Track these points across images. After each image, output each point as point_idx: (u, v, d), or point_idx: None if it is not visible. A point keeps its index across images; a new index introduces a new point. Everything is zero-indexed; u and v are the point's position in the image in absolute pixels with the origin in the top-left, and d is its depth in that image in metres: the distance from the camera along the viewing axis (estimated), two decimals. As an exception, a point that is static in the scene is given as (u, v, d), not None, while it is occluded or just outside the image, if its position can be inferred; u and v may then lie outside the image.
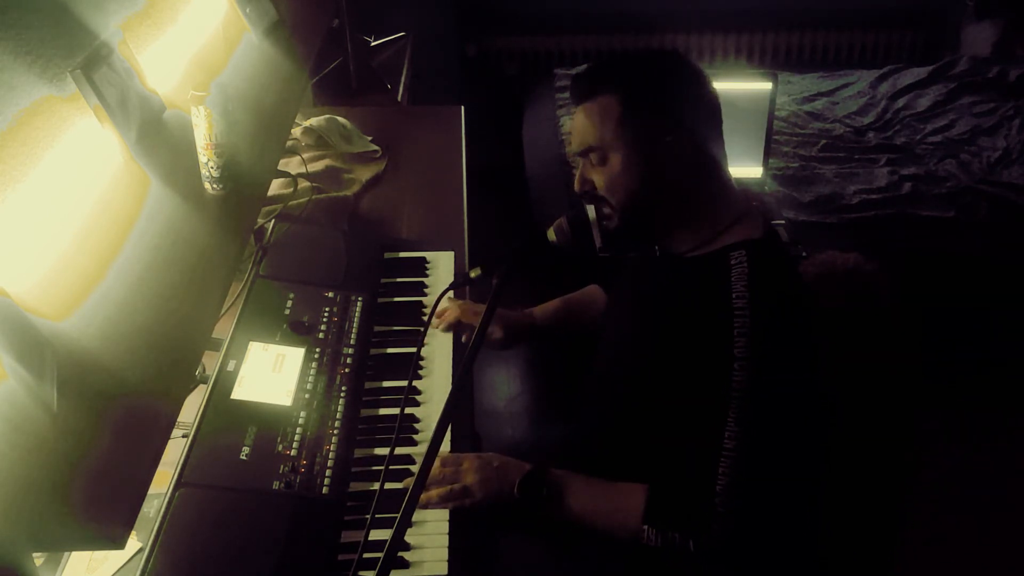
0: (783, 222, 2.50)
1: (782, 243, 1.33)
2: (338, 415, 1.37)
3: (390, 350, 1.56)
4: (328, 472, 1.27)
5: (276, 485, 1.23)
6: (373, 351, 1.54)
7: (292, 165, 2.00)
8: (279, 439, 1.29)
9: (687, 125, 1.25)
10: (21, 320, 0.90)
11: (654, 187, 1.27)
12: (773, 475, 1.16)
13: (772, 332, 1.17)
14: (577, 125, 1.30)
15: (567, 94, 3.27)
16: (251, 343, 1.42)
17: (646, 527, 1.18)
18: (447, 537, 1.23)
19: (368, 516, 1.12)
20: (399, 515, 0.98)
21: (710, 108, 1.29)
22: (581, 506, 1.25)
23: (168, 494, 1.18)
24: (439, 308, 1.53)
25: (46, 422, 0.88)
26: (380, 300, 1.66)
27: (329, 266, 1.67)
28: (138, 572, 1.09)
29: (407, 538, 1.21)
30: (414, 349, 1.46)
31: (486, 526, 1.32)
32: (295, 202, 1.88)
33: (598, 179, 1.29)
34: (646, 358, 1.30)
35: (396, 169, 2.20)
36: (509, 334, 1.63)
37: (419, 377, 1.50)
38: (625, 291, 1.48)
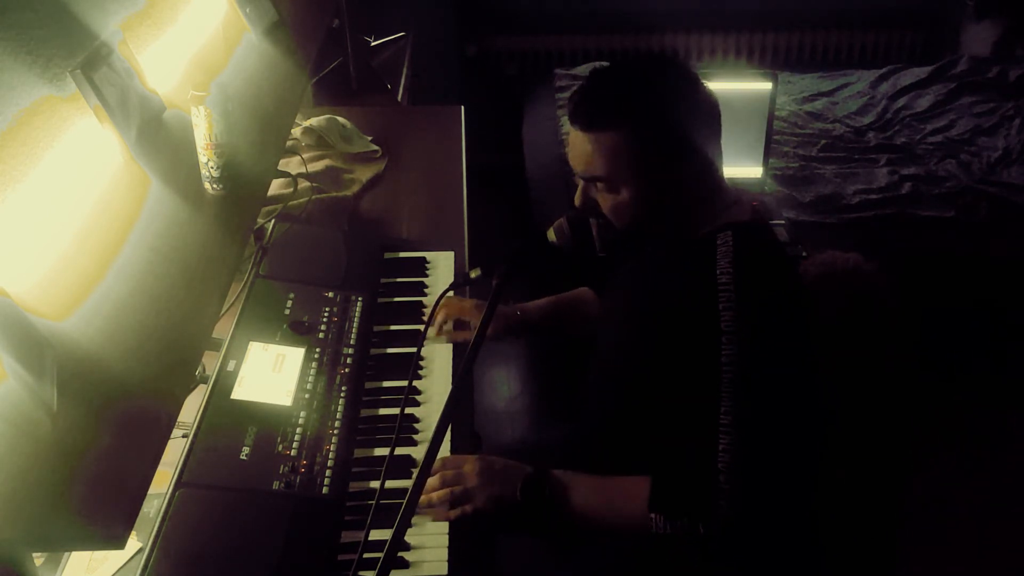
0: (783, 222, 2.50)
1: (767, 224, 1.34)
2: (338, 415, 1.37)
3: (390, 350, 1.56)
4: (328, 472, 1.27)
5: (276, 485, 1.23)
6: (373, 351, 1.54)
7: (292, 165, 2.00)
8: (279, 439, 1.29)
9: (696, 148, 1.25)
10: (21, 320, 0.90)
11: (661, 213, 1.28)
12: (773, 447, 1.15)
13: (757, 304, 1.17)
14: (578, 148, 1.27)
15: (567, 94, 3.28)
16: (251, 343, 1.42)
17: (653, 515, 1.17)
18: (447, 537, 1.23)
19: (368, 516, 1.12)
20: (399, 515, 0.98)
21: (708, 113, 1.28)
22: (585, 503, 1.24)
23: (168, 494, 1.18)
24: (437, 310, 1.53)
25: (46, 422, 0.88)
26: (380, 300, 1.66)
27: (329, 266, 1.67)
28: (138, 572, 1.09)
29: (407, 538, 1.21)
30: (414, 349, 1.46)
31: (486, 526, 1.32)
32: (295, 202, 1.88)
33: (604, 203, 1.29)
34: (641, 348, 1.30)
35: (396, 169, 2.19)
36: (499, 327, 1.63)
37: (419, 377, 1.50)
38: (620, 290, 1.48)
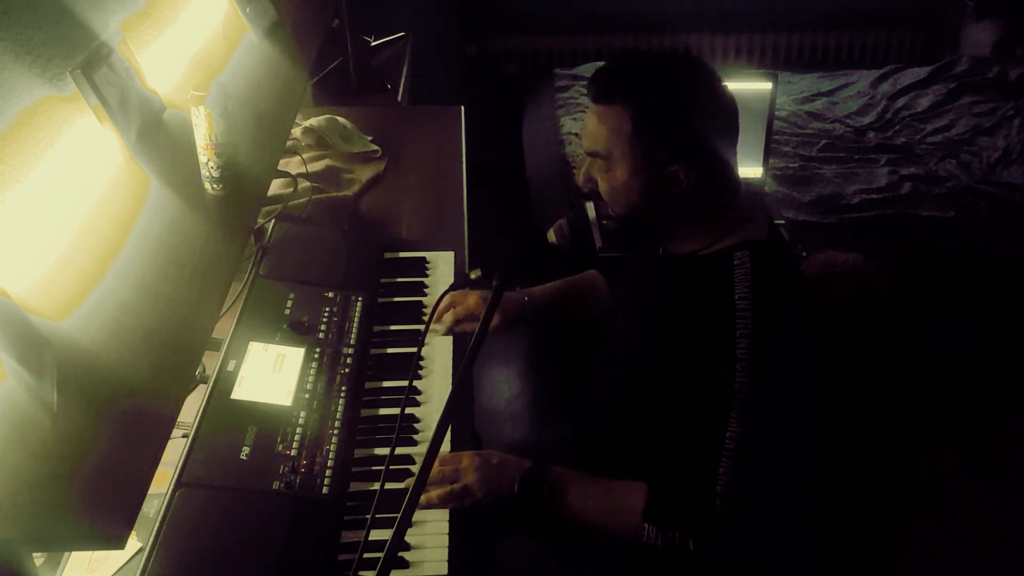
0: (783, 222, 2.50)
1: (786, 243, 1.33)
2: (338, 415, 1.37)
3: (390, 350, 1.56)
4: (328, 472, 1.27)
5: (276, 485, 1.23)
6: (373, 351, 1.54)
7: (292, 165, 2.00)
8: (279, 439, 1.29)
9: (696, 155, 1.23)
10: (21, 320, 0.90)
11: (655, 205, 1.26)
12: (774, 477, 1.16)
13: (774, 334, 1.17)
14: (589, 124, 1.28)
15: (567, 94, 3.29)
16: (251, 343, 1.42)
17: (646, 525, 1.18)
18: (447, 537, 1.23)
19: (368, 516, 1.12)
20: (399, 515, 0.98)
21: (725, 116, 1.27)
22: (581, 503, 1.25)
23: (168, 494, 1.18)
24: (439, 309, 1.53)
25: (46, 422, 0.88)
26: (380, 300, 1.66)
27: (329, 266, 1.67)
28: (138, 572, 1.09)
29: (407, 538, 1.21)
30: (414, 349, 1.46)
31: (486, 526, 1.32)
32: (295, 202, 1.88)
33: (601, 183, 1.28)
34: (648, 358, 1.30)
35: (396, 169, 2.19)
36: (506, 318, 1.62)
37: (419, 377, 1.50)
38: (627, 290, 1.48)
